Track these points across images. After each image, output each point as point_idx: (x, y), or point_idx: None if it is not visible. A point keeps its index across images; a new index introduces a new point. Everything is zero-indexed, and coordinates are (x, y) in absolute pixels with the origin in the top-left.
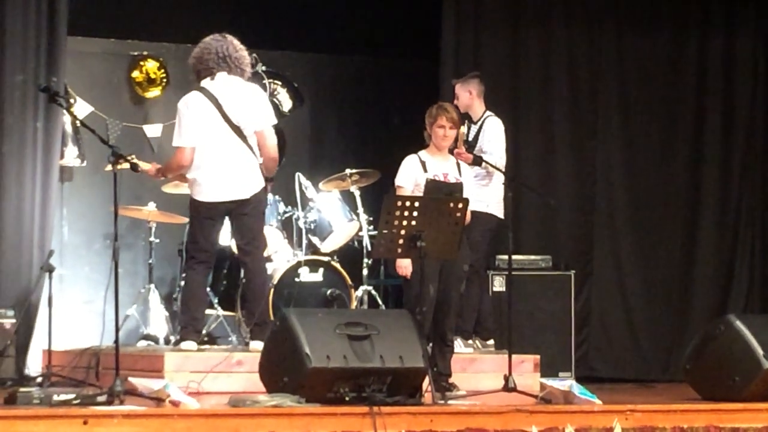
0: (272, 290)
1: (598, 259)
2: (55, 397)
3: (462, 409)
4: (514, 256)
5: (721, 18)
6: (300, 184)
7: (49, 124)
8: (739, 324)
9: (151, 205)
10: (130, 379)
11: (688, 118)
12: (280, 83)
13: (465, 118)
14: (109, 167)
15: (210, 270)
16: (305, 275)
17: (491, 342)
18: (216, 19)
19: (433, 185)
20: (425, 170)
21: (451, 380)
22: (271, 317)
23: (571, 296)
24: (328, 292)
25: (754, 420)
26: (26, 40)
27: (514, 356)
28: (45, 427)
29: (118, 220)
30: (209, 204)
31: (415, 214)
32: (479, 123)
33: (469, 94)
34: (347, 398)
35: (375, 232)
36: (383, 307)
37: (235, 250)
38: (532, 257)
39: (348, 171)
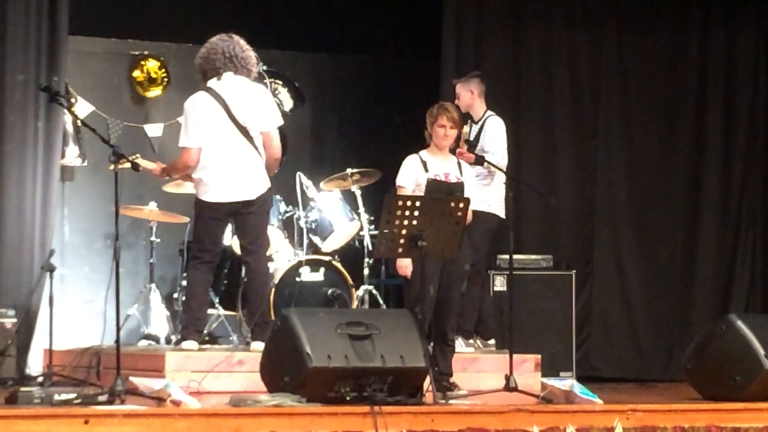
0: (273, 290)
1: (599, 259)
2: (56, 397)
3: (463, 409)
4: (515, 256)
5: (721, 18)
6: (301, 184)
7: (50, 124)
8: (740, 324)
9: (152, 205)
10: (131, 378)
11: (689, 117)
12: (281, 83)
13: (466, 118)
14: (119, 165)
15: (213, 270)
16: (306, 275)
17: (492, 341)
18: (217, 19)
19: (433, 185)
20: (426, 170)
21: (452, 380)
22: (272, 317)
23: (572, 296)
24: (329, 291)
25: (755, 420)
26: (27, 40)
27: (515, 356)
28: (46, 426)
29: (119, 219)
30: (215, 204)
31: (416, 213)
32: (480, 122)
33: (470, 94)
34: (348, 398)
35: (376, 232)
36: (384, 306)
37: (236, 249)
38: (533, 257)
39: (349, 170)
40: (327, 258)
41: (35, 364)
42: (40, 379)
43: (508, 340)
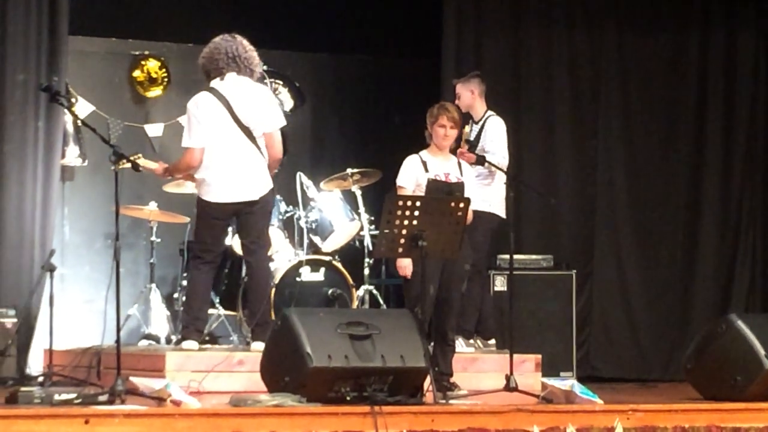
0: (273, 290)
1: (599, 259)
2: (57, 397)
3: (463, 409)
4: (515, 256)
5: (721, 18)
6: (301, 184)
7: (50, 124)
8: (740, 323)
9: (153, 205)
10: (131, 378)
11: (689, 118)
12: (281, 83)
13: (466, 118)
14: (119, 165)
15: (215, 270)
16: (306, 275)
17: (492, 341)
18: (217, 19)
19: (434, 185)
20: (426, 170)
21: (452, 380)
22: (273, 317)
23: (573, 296)
24: (330, 291)
25: (756, 420)
26: (27, 40)
27: (515, 356)
28: (46, 426)
29: (120, 219)
30: (218, 204)
31: (416, 213)
32: (481, 122)
33: (471, 94)
34: (348, 398)
35: (376, 232)
36: (384, 306)
37: (236, 249)
38: (534, 257)
39: (349, 170)
40: (327, 258)
41: (35, 364)
42: (41, 379)
43: (509, 340)
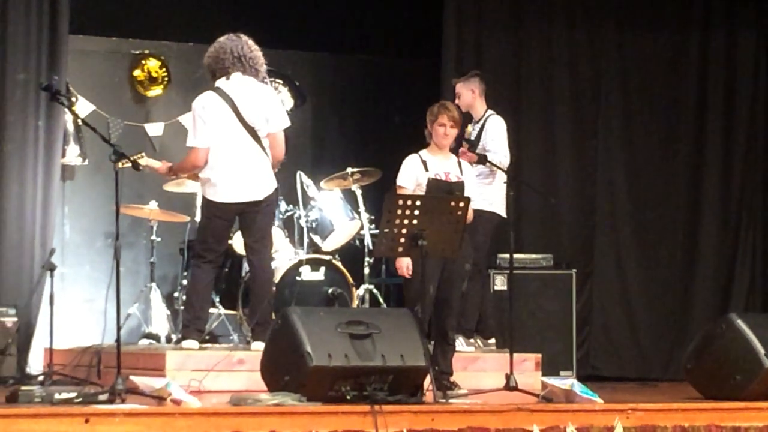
0: (274, 289)
1: (599, 258)
2: (57, 396)
3: (463, 408)
4: (515, 255)
5: (721, 18)
6: (301, 183)
7: (50, 123)
8: (740, 323)
9: (153, 204)
10: (131, 377)
11: (689, 118)
12: (281, 82)
13: (466, 117)
14: (120, 165)
15: (217, 270)
16: (306, 274)
17: (492, 341)
18: (217, 18)
19: (434, 184)
20: (426, 169)
21: (452, 379)
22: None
23: (573, 295)
24: (330, 290)
25: (756, 419)
26: (28, 39)
27: (515, 355)
28: (46, 425)
29: (120, 218)
30: (223, 204)
31: (416, 213)
32: (481, 122)
33: (471, 93)
34: (348, 397)
35: (376, 231)
36: (385, 305)
37: (236, 248)
38: (534, 256)
39: (349, 170)
40: (327, 257)
41: (36, 363)
42: (41, 378)
43: (509, 340)
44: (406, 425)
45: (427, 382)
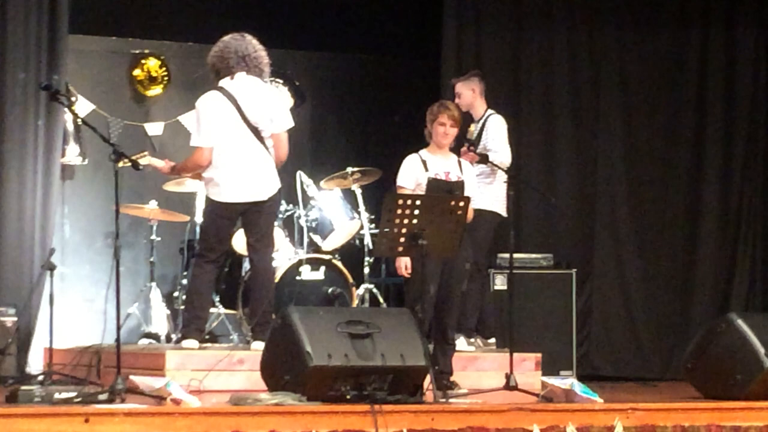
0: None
1: (599, 258)
2: (57, 396)
3: (463, 408)
4: (515, 255)
5: (721, 17)
6: (301, 183)
7: (50, 123)
8: (740, 322)
9: (153, 203)
10: (131, 377)
11: (690, 116)
12: (281, 81)
13: (466, 117)
14: (121, 164)
15: (218, 270)
16: (306, 273)
17: (492, 340)
18: (217, 18)
19: (434, 184)
20: (426, 169)
21: (452, 378)
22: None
23: (573, 295)
24: (330, 290)
25: (756, 419)
26: (28, 38)
27: (515, 355)
28: (46, 425)
29: (120, 218)
30: (226, 204)
31: (416, 212)
32: (482, 121)
33: (472, 92)
34: (348, 396)
35: (376, 231)
36: (384, 305)
37: (236, 248)
38: (534, 255)
39: (349, 169)
40: (327, 257)
41: (35, 363)
42: (41, 377)
43: (509, 339)
44: (406, 425)
45: (427, 381)
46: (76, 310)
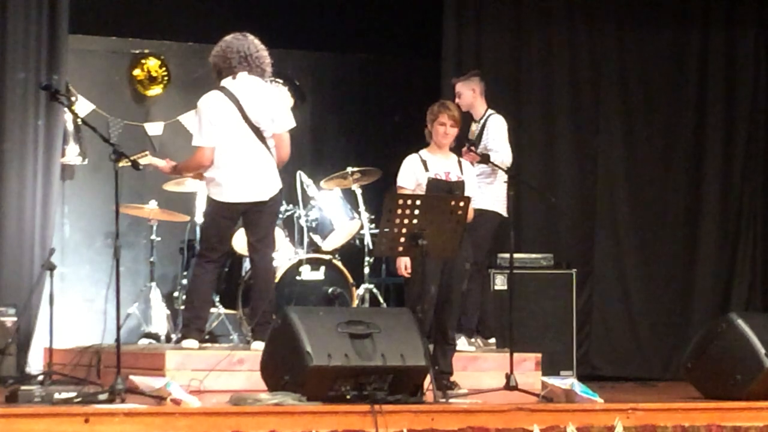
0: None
1: (599, 258)
2: (57, 396)
3: (463, 408)
4: (515, 255)
5: (721, 17)
6: (301, 183)
7: (50, 122)
8: (740, 322)
9: (153, 203)
10: (131, 377)
11: (690, 116)
12: (281, 81)
13: (466, 117)
14: (121, 164)
15: (219, 270)
16: (306, 273)
17: (492, 340)
18: (217, 17)
19: (434, 184)
20: (426, 169)
21: (452, 378)
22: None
23: (573, 295)
24: (330, 290)
25: (756, 419)
26: (27, 38)
27: (515, 355)
28: (46, 425)
29: (120, 218)
30: (228, 204)
31: (416, 212)
32: (482, 121)
33: (472, 92)
34: (348, 397)
35: (376, 231)
36: (385, 305)
37: (236, 247)
38: (534, 255)
39: (349, 169)
40: (327, 257)
41: (35, 363)
42: (41, 377)
43: (509, 339)
44: (406, 425)
45: (427, 381)
46: (76, 310)
